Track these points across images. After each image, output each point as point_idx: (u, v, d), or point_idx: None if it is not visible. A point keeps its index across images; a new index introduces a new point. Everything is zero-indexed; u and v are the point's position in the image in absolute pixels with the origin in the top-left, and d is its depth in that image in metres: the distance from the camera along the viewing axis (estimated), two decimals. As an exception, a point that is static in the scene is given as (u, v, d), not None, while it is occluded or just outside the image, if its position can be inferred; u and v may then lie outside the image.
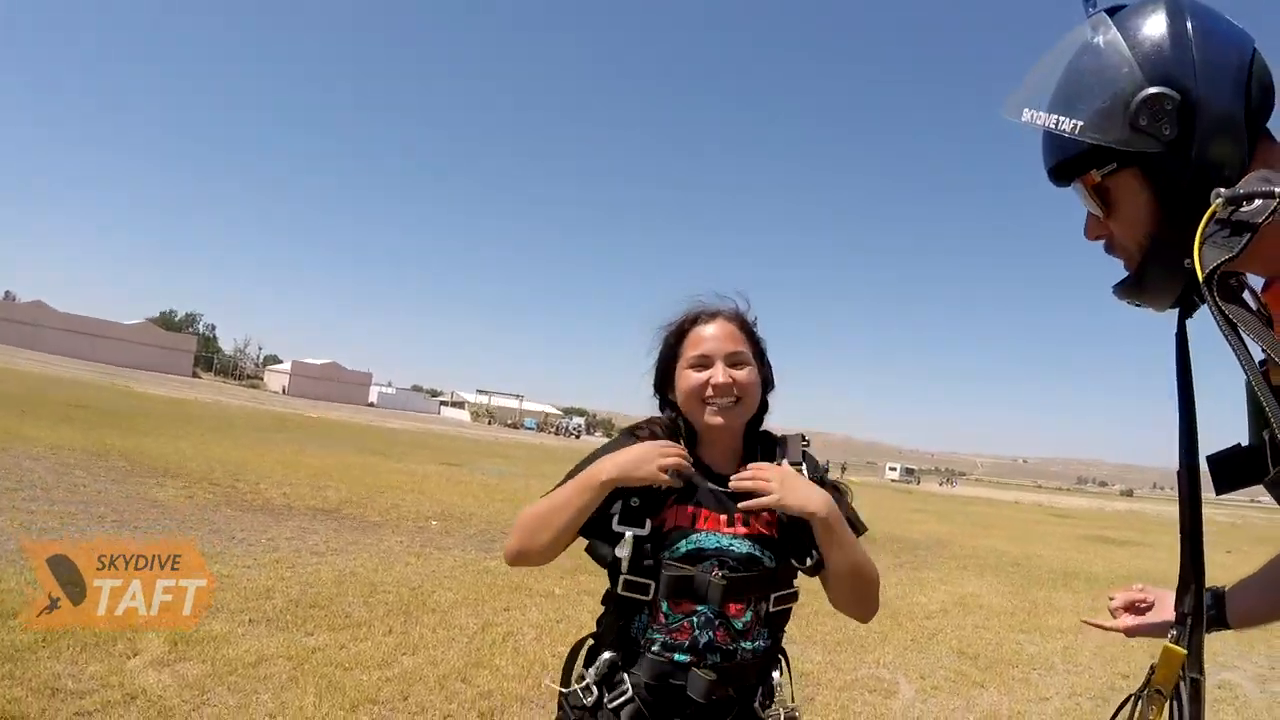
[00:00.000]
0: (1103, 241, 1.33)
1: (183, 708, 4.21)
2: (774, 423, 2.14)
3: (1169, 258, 1.16)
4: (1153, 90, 1.12)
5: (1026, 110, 1.24)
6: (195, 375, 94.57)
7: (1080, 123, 1.17)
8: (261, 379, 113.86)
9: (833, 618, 7.90)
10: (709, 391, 1.91)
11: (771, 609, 1.89)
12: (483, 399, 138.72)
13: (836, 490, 1.98)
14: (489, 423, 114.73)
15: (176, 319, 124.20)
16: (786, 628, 1.99)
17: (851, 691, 5.88)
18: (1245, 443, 1.29)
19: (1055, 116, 1.20)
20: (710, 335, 1.97)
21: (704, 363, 1.94)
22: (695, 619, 1.82)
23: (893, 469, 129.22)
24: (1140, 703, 1.24)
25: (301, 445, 22.67)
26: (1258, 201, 1.03)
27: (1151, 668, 1.22)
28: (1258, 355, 1.04)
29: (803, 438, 2.06)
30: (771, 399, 2.09)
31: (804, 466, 1.96)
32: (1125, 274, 1.29)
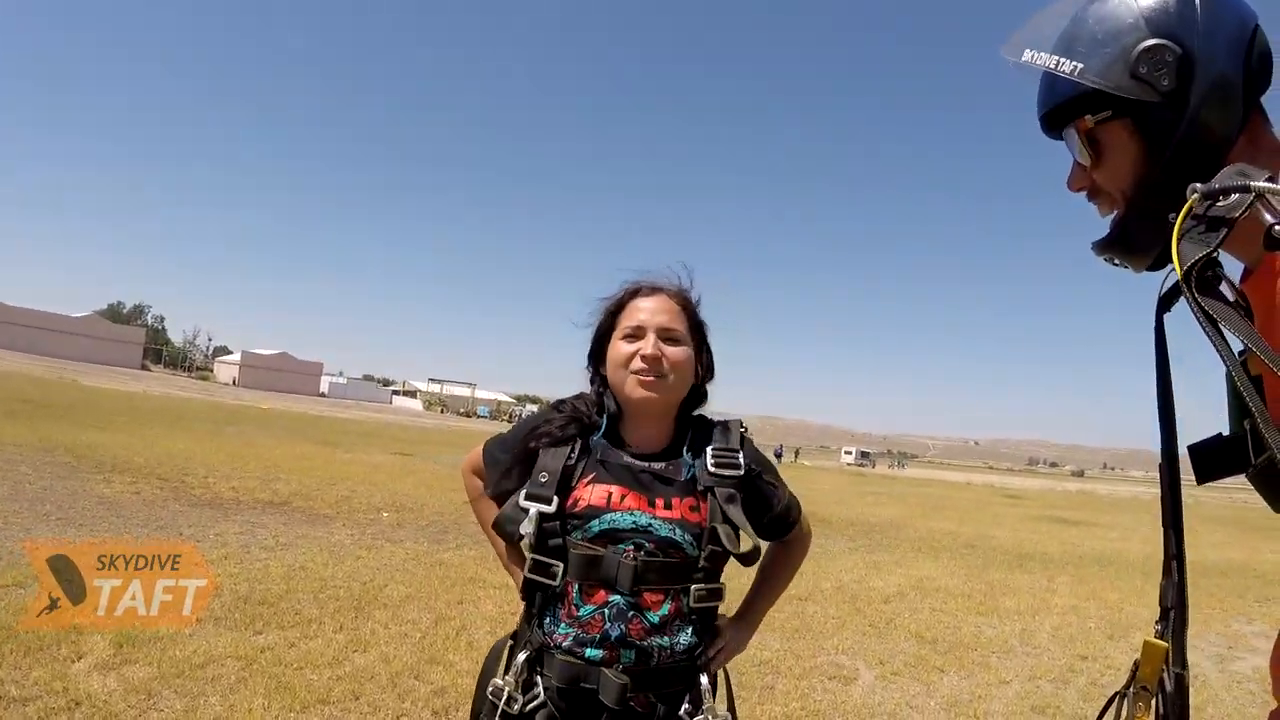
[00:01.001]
0: (1084, 192, 1.36)
1: (129, 713, 4.08)
2: (725, 407, 2.09)
3: (1151, 212, 1.19)
4: (1155, 41, 1.16)
5: (1028, 51, 1.27)
6: (144, 368, 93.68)
7: (1081, 65, 1.21)
8: (211, 370, 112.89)
9: (789, 604, 7.94)
10: (636, 363, 1.85)
11: (693, 603, 1.79)
12: (435, 388, 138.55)
13: (776, 491, 2.00)
14: (441, 411, 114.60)
15: (124, 311, 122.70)
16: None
17: (811, 679, 5.84)
18: (1225, 433, 1.29)
19: (1057, 58, 1.24)
20: (646, 308, 1.92)
21: (637, 334, 1.89)
22: (608, 610, 1.74)
23: (848, 453, 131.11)
24: (1126, 701, 1.21)
25: (252, 437, 22.47)
26: (1234, 196, 1.05)
27: (1135, 663, 1.20)
28: (1237, 347, 1.05)
29: (740, 424, 2.01)
30: (713, 388, 2.05)
31: (741, 455, 1.91)
32: (1106, 232, 1.32)
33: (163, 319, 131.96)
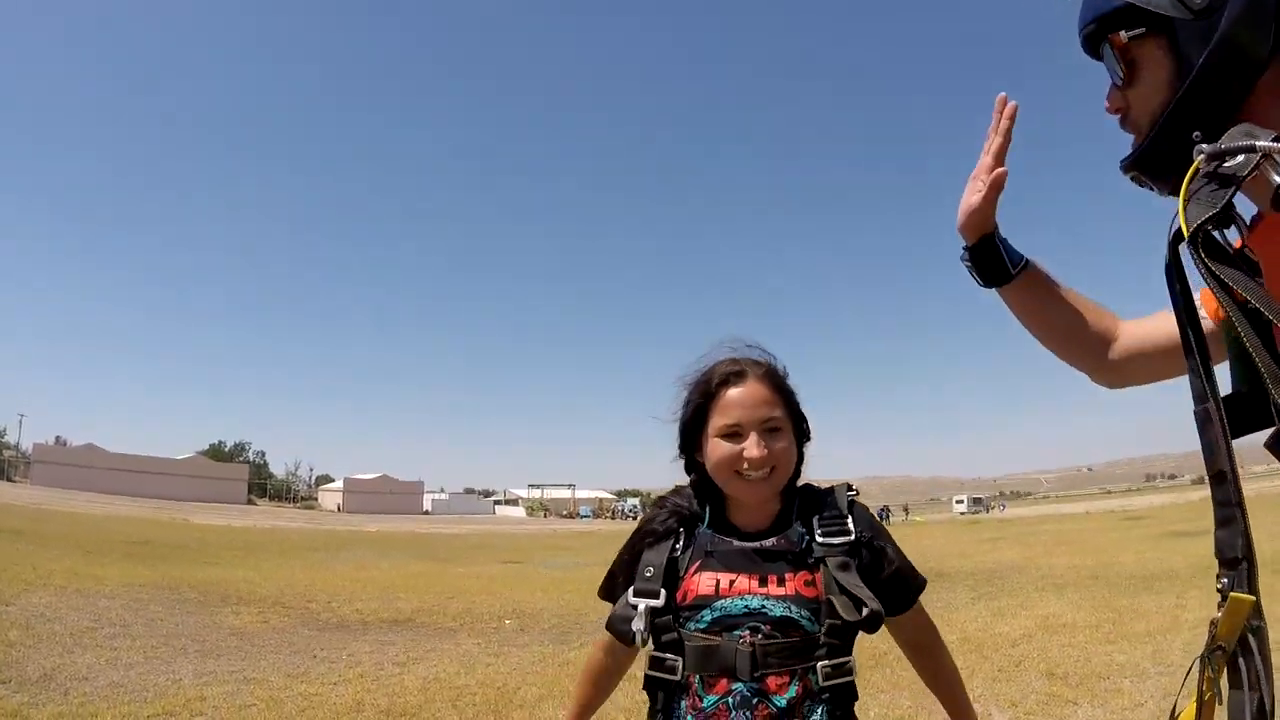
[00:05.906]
0: (1119, 116, 1.37)
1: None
2: (825, 477, 1.97)
3: (1178, 132, 1.20)
4: None
5: None
6: (250, 502, 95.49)
7: None
8: (316, 499, 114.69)
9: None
10: (743, 465, 1.77)
11: (823, 682, 1.67)
12: (535, 493, 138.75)
13: (886, 553, 1.83)
14: (544, 516, 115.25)
15: (226, 449, 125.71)
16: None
17: (946, 731, 5.78)
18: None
19: None
20: (741, 401, 1.82)
21: (736, 432, 1.79)
22: (731, 699, 1.66)
23: (959, 501, 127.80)
24: (1208, 664, 1.12)
25: (365, 560, 22.86)
26: (1240, 156, 1.05)
27: (1213, 623, 1.11)
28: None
29: (849, 487, 1.91)
30: (810, 451, 1.94)
31: (850, 519, 1.81)
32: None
33: (263, 454, 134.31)
